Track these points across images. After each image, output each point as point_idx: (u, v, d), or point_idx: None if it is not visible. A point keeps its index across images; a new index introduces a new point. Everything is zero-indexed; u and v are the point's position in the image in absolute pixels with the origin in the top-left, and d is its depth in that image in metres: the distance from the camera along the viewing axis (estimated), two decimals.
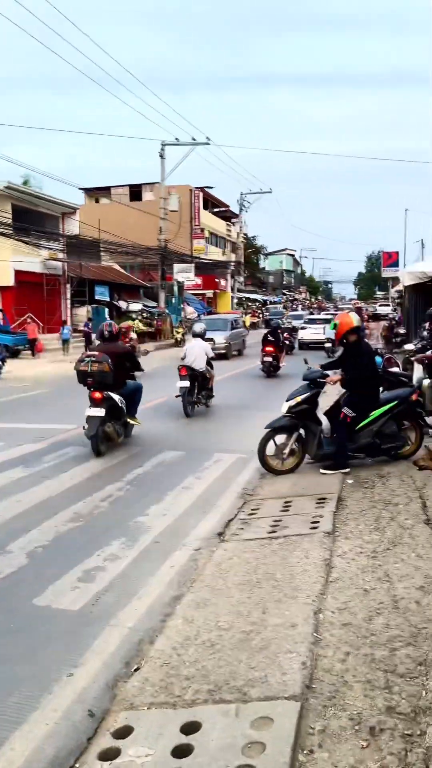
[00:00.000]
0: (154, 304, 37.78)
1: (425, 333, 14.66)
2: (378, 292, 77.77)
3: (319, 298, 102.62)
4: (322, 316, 30.26)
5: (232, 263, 54.17)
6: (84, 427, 7.78)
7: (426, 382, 9.23)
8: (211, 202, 55.85)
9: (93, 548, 4.90)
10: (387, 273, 51.71)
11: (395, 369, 10.75)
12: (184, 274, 41.60)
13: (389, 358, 13.57)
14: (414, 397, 7.23)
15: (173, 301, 40.18)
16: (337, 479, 6.53)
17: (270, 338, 16.89)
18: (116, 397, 8.08)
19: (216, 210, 57.00)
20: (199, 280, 46.41)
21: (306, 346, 23.91)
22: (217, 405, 12.00)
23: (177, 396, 10.83)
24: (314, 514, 5.49)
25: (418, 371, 9.87)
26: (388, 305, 47.05)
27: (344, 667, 2.99)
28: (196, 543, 5.04)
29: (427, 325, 15.95)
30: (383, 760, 2.36)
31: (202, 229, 50.12)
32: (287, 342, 20.19)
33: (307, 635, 3.30)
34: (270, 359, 16.51)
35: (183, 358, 11.31)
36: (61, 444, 8.66)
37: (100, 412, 7.77)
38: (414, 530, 4.81)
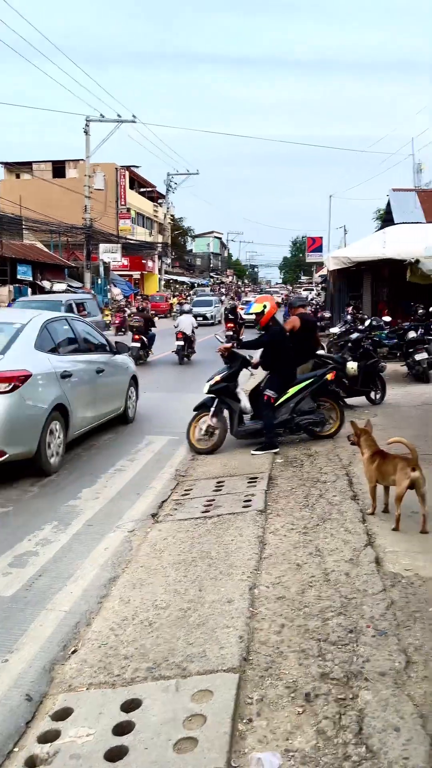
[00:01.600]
0: (79, 284, 36.90)
1: (348, 317, 15.15)
2: (302, 277, 79.29)
3: (246, 281, 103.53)
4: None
5: (159, 244, 53.65)
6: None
7: (352, 364, 9.56)
8: (137, 182, 54.92)
9: (23, 533, 4.80)
10: (311, 258, 52.76)
11: (321, 351, 11.01)
12: (111, 255, 40.94)
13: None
14: (330, 376, 7.46)
15: (99, 281, 39.44)
16: (267, 459, 6.67)
17: (230, 316, 20.10)
18: (144, 338, 15.63)
19: (143, 190, 56.15)
20: (125, 261, 45.76)
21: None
22: (151, 387, 11.94)
23: (174, 351, 16.03)
24: (246, 493, 5.59)
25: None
26: (312, 290, 48.09)
27: (279, 638, 3.09)
28: (130, 525, 5.03)
29: (350, 309, 16.51)
30: (319, 724, 2.47)
31: (129, 209, 49.28)
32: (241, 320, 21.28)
33: (243, 610, 3.38)
34: (231, 333, 18.89)
35: (176, 326, 16.37)
36: None
37: (138, 344, 15.20)
38: (342, 506, 5.00)
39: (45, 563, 4.28)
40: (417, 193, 24.30)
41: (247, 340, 7.98)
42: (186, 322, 16.35)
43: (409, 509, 4.62)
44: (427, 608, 3.24)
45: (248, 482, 5.95)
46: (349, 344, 10.65)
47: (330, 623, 3.18)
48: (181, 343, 15.88)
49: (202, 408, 7.27)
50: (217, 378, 7.23)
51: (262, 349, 7.42)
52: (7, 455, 5.71)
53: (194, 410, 7.30)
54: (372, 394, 9.76)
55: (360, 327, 12.75)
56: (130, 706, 2.71)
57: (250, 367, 7.60)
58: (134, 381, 9.17)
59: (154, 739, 2.48)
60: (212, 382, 7.23)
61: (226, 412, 7.22)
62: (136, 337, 15.49)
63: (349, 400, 9.73)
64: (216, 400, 7.17)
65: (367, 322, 12.87)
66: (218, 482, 6.07)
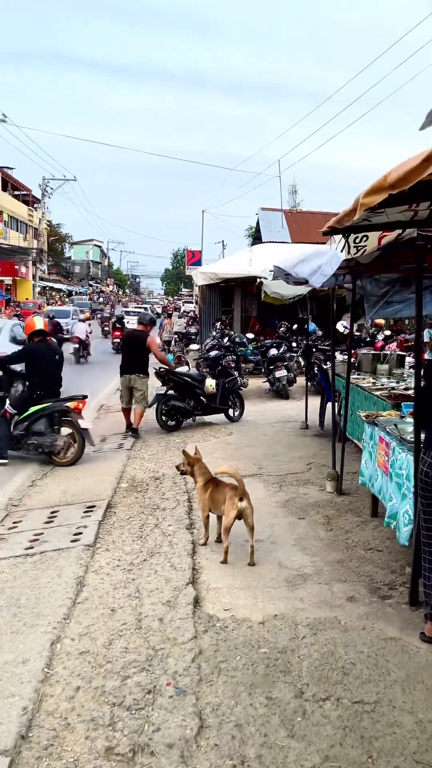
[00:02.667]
0: None
1: (214, 332, 15.19)
2: (183, 289, 79.91)
3: (127, 291, 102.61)
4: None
5: (34, 250, 51.63)
6: None
7: (210, 382, 9.45)
8: (11, 184, 52.64)
9: None
10: (190, 271, 53.17)
11: (183, 368, 10.87)
12: None
13: (179, 356, 13.80)
14: (75, 406, 7.29)
15: None
16: (111, 485, 6.32)
17: (118, 325, 22.18)
18: None
19: (16, 193, 53.90)
20: None
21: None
22: None
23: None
24: (79, 524, 5.20)
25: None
26: (192, 302, 48.45)
27: (70, 705, 2.75)
28: None
29: (218, 324, 16.59)
30: None
31: (1, 212, 47.05)
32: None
33: (37, 672, 3.00)
34: (119, 341, 19.94)
35: (72, 332, 18.10)
36: None
37: None
38: (175, 537, 4.76)
39: None
40: (284, 214, 25.15)
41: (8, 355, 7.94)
42: (81, 329, 18.75)
43: (242, 537, 4.48)
44: (234, 657, 3.04)
45: (84, 511, 5.56)
46: (208, 361, 10.58)
47: (129, 682, 2.89)
48: (77, 345, 18.16)
49: None
50: None
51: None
52: None
53: None
54: (230, 412, 9.72)
55: (224, 343, 12.76)
56: None
57: None
58: None
59: None
60: None
61: None
62: None
63: (207, 418, 9.66)
64: None
65: (225, 339, 12.89)
66: (52, 512, 5.62)
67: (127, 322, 25.56)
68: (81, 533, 4.98)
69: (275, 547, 4.59)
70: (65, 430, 7.26)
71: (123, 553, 4.53)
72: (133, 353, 8.66)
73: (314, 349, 11.40)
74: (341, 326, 11.96)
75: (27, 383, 7.37)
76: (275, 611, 3.53)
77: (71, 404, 7.28)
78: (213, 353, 10.96)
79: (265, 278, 8.67)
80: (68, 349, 16.82)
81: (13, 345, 10.05)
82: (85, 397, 7.54)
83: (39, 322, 7.65)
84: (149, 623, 3.42)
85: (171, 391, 8.97)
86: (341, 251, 4.49)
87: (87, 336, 18.87)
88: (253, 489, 5.98)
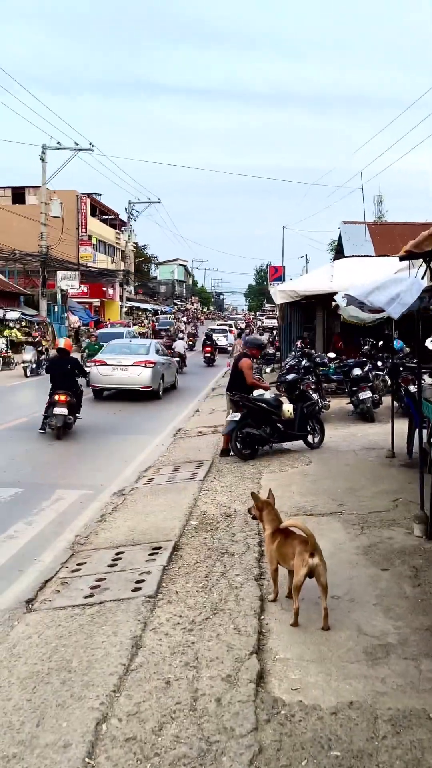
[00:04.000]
0: (34, 312, 36.02)
1: (294, 352, 14.66)
2: (266, 305, 79.58)
3: (211, 308, 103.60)
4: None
5: (122, 272, 53.08)
6: None
7: (287, 407, 8.99)
8: (99, 209, 54.54)
9: None
10: (272, 287, 52.78)
11: (259, 392, 10.39)
12: (68, 282, 40.16)
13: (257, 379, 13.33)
14: (59, 398, 10.35)
15: (56, 309, 38.60)
16: (180, 522, 5.99)
17: (207, 342, 26.97)
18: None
19: (104, 217, 55.78)
20: (84, 288, 45.03)
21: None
22: (85, 424, 11.22)
23: None
24: (142, 569, 4.90)
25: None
26: (274, 318, 47.98)
27: None
28: None
29: (299, 343, 16.06)
30: None
31: (90, 236, 48.75)
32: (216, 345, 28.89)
33: (76, 762, 2.67)
34: (209, 355, 26.45)
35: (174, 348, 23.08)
36: None
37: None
38: (242, 590, 4.35)
39: None
40: (367, 226, 24.25)
41: None
42: (180, 345, 24.20)
43: (316, 593, 4.00)
44: (300, 761, 2.58)
45: (150, 553, 5.26)
46: (285, 384, 10.11)
47: None
48: (177, 359, 20.74)
49: None
50: None
51: None
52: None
53: None
54: (310, 438, 9.19)
55: (304, 364, 12.23)
56: None
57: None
58: None
59: None
60: None
61: None
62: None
63: (285, 445, 9.19)
64: None
65: (304, 361, 12.33)
66: (117, 553, 5.36)
67: (217, 339, 30.78)
68: (143, 581, 4.67)
69: (353, 606, 4.07)
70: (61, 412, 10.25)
71: (185, 607, 4.17)
72: (235, 372, 9.14)
73: (401, 368, 10.65)
74: (430, 343, 11.14)
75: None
76: (351, 696, 3.04)
77: (59, 398, 10.33)
78: (290, 376, 10.48)
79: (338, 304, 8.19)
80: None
81: (158, 356, 16.22)
82: (68, 393, 10.43)
83: (62, 343, 11.78)
84: (205, 704, 3.02)
85: (246, 418, 8.59)
86: (422, 277, 3.95)
87: (184, 351, 24.15)
88: (331, 531, 5.49)
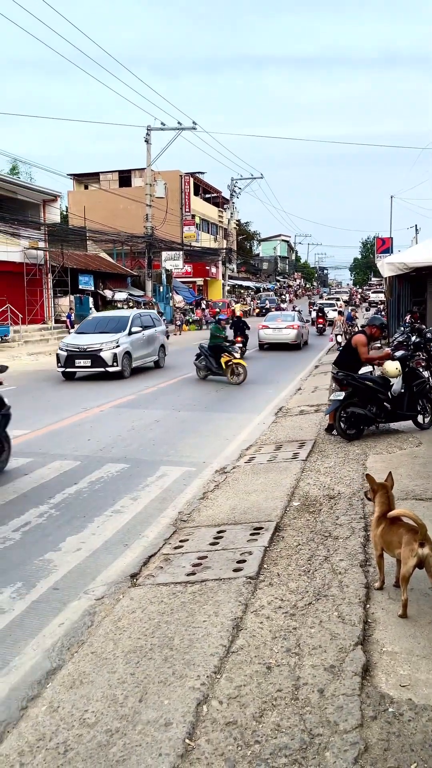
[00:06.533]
0: (140, 293, 36.99)
1: (403, 327, 13.99)
2: (373, 279, 76.82)
3: (315, 284, 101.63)
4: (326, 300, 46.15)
5: (224, 250, 53.21)
6: None
7: (396, 386, 8.58)
8: (202, 188, 54.82)
9: None
10: (379, 260, 50.82)
11: (366, 368, 10.00)
12: (172, 262, 40.86)
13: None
14: None
15: (161, 289, 39.41)
16: (282, 503, 5.89)
17: (320, 314, 32.15)
18: None
19: (207, 196, 55.98)
20: (188, 268, 45.63)
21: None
22: (188, 402, 11.39)
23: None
24: (244, 549, 4.86)
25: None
26: (382, 292, 46.21)
27: None
28: (101, 590, 4.40)
29: (408, 318, 15.30)
30: None
31: (193, 216, 49.20)
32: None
33: (177, 743, 2.67)
34: (321, 326, 30.74)
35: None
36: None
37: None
38: (346, 576, 4.18)
39: None
40: None
41: None
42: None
43: (427, 583, 3.77)
44: (409, 765, 2.41)
45: (251, 533, 5.20)
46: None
47: None
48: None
49: None
50: None
51: None
52: None
53: None
54: (420, 418, 8.72)
55: (414, 340, 11.62)
56: None
57: None
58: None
59: None
60: None
61: None
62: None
63: (393, 425, 8.80)
64: None
65: (414, 337, 11.71)
66: (219, 531, 5.36)
67: (327, 312, 33.13)
68: (245, 561, 4.62)
69: None
70: None
71: (287, 590, 4.08)
72: (347, 349, 8.92)
73: None
74: None
75: None
76: None
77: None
78: (399, 353, 9.96)
79: None
80: None
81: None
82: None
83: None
84: (307, 694, 2.92)
85: (350, 397, 8.29)
86: None
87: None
88: None
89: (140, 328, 16.67)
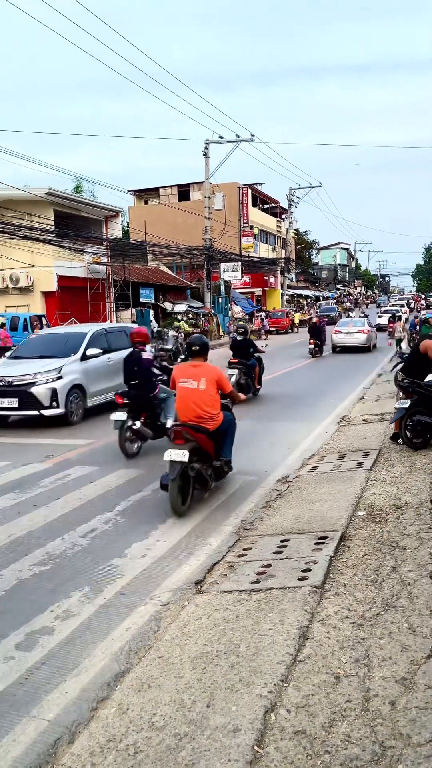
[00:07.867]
0: (200, 304, 37.36)
1: None
2: None
3: (375, 291, 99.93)
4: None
5: (282, 260, 53.12)
6: None
7: None
8: (260, 199, 55.02)
9: (49, 601, 4.39)
10: None
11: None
12: (231, 273, 41.10)
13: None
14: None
15: (220, 300, 39.68)
16: (346, 513, 5.80)
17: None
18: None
19: (265, 206, 56.13)
20: (246, 279, 45.78)
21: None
22: (252, 411, 11.38)
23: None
24: (308, 558, 4.81)
25: None
26: None
27: None
28: (166, 595, 4.45)
29: None
30: None
31: (251, 227, 49.38)
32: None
33: (246, 749, 2.66)
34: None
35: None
36: (66, 464, 8.26)
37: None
38: (415, 587, 4.07)
39: (54, 646, 3.81)
40: None
41: None
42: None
43: None
44: None
45: (316, 543, 5.14)
46: None
47: None
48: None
49: None
50: None
51: None
52: None
53: None
54: None
55: None
56: None
57: None
58: None
59: None
60: None
61: None
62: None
63: None
64: None
65: None
66: (283, 540, 5.32)
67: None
68: (310, 570, 4.58)
69: None
70: None
71: (354, 600, 4.00)
72: (415, 355, 8.65)
73: None
74: None
75: None
76: None
77: None
78: None
79: None
80: None
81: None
82: None
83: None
84: (378, 706, 2.85)
85: (416, 405, 8.08)
86: None
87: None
88: None
89: (100, 351, 11.66)
